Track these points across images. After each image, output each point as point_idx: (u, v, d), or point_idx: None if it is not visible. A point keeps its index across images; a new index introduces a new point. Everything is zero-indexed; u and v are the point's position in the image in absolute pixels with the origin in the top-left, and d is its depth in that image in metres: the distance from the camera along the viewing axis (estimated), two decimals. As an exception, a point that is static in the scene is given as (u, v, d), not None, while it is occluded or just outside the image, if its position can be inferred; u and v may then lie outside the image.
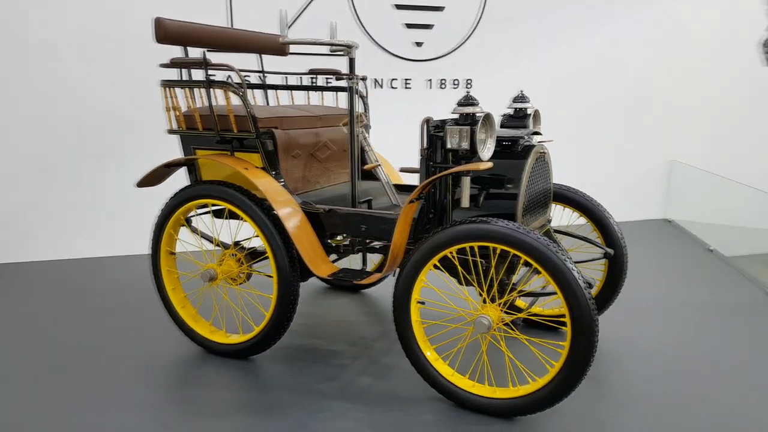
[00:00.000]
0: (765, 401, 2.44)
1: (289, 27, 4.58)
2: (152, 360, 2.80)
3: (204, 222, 2.93)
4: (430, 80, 4.96)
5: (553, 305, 3.22)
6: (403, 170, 2.71)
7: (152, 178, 2.88)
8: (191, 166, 2.91)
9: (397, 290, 2.36)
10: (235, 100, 2.68)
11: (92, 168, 4.37)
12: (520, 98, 2.76)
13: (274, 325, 2.61)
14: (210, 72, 2.69)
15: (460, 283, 2.45)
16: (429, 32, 4.88)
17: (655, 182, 5.89)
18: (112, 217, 4.47)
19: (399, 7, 4.76)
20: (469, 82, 5.05)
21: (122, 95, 4.30)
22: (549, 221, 2.80)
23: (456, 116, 2.33)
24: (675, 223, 5.68)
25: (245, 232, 3.49)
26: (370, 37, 4.72)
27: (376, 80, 4.81)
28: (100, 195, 4.42)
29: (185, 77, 2.77)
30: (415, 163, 3.05)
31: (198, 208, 2.83)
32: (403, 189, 3.10)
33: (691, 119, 5.82)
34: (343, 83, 3.46)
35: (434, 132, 2.41)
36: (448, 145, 2.31)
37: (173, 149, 4.00)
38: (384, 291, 3.70)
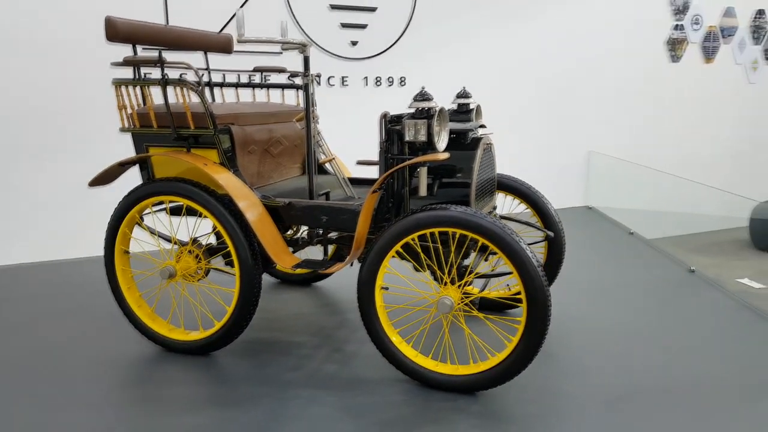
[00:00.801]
0: (694, 361, 2.72)
1: (225, 25, 4.57)
2: (111, 361, 2.77)
3: (161, 220, 2.92)
4: (366, 78, 5.08)
5: (498, 288, 3.40)
6: (360, 163, 2.81)
7: (105, 177, 2.85)
8: (143, 163, 2.89)
9: (361, 277, 2.46)
10: (187, 97, 2.70)
11: (17, 170, 4.22)
12: (464, 94, 2.92)
13: (238, 318, 2.65)
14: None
15: (417, 270, 2.59)
16: (363, 32, 5.01)
17: (575, 172, 6.27)
18: (37, 222, 4.31)
19: (334, 7, 4.86)
20: (402, 79, 5.21)
21: (56, 93, 4.17)
22: (495, 207, 2.98)
23: (412, 110, 2.46)
24: (596, 210, 6.06)
25: (201, 228, 3.48)
26: (307, 36, 4.78)
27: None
28: (25, 199, 4.27)
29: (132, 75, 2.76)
30: (357, 155, 3.16)
31: (153, 206, 2.82)
32: (353, 182, 3.19)
33: (605, 112, 6.24)
34: (287, 80, 3.52)
35: (391, 126, 2.52)
36: (406, 138, 2.43)
37: (108, 148, 3.95)
38: (335, 283, 3.78)
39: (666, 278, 3.90)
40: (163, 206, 2.85)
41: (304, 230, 3.16)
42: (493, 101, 5.45)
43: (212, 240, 3.03)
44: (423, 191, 2.45)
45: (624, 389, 2.48)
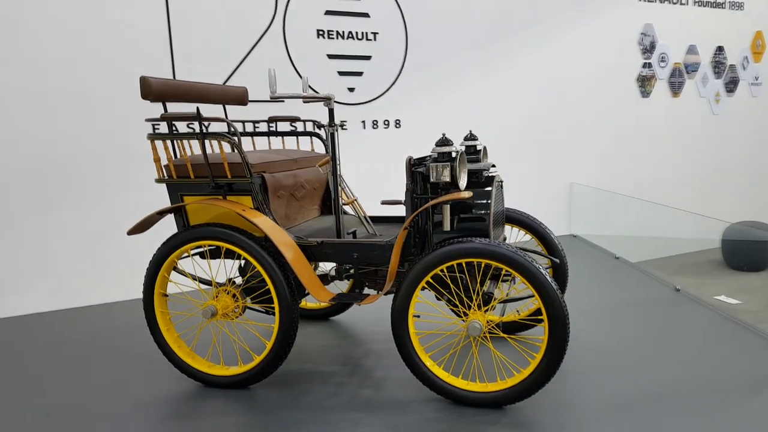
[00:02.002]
0: (688, 372, 3.00)
1: (230, 77, 4.84)
2: (154, 399, 2.93)
3: (197, 262, 3.11)
4: (364, 121, 5.39)
5: (510, 312, 3.65)
6: (384, 203, 3.06)
7: (143, 225, 3.04)
8: (178, 211, 3.09)
9: (395, 307, 2.69)
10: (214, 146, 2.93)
11: (29, 221, 4.37)
12: (470, 137, 3.21)
13: (278, 351, 2.85)
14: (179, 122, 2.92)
15: (438, 298, 2.83)
16: (359, 78, 5.34)
17: (559, 202, 6.63)
18: (55, 270, 4.46)
19: (331, 56, 5.19)
20: (398, 121, 5.52)
21: (68, 145, 4.36)
22: (505, 239, 3.25)
23: (434, 155, 2.73)
24: (581, 237, 6.39)
25: (227, 270, 3.68)
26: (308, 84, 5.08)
27: (314, 122, 5.18)
28: (40, 249, 4.42)
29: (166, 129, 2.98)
30: (361, 193, 3.41)
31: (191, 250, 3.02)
32: (372, 219, 3.44)
33: (585, 146, 6.65)
34: (293, 126, 3.79)
35: (414, 169, 2.79)
36: (431, 179, 2.70)
37: (125, 198, 4.14)
38: (351, 317, 3.99)
39: (656, 298, 4.20)
40: (201, 250, 3.05)
41: (329, 267, 3.37)
42: (480, 139, 5.82)
43: (239, 280, 3.23)
44: (447, 226, 2.71)
45: (631, 397, 2.75)
